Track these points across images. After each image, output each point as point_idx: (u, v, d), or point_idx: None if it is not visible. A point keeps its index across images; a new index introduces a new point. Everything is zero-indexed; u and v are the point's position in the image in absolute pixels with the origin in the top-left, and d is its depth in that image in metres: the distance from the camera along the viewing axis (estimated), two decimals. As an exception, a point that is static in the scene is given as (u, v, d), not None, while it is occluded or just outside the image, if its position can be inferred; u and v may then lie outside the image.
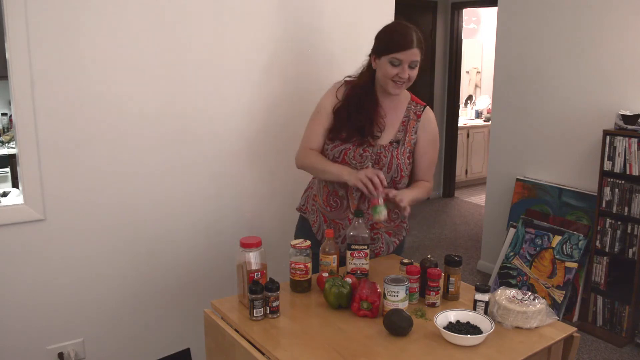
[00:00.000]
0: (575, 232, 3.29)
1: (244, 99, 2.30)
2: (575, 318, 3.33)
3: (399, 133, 1.89)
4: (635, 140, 2.92)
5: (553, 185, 3.58)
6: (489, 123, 4.26)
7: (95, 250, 2.06)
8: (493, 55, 4.07)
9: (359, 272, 1.69)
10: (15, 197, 2.09)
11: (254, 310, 1.47)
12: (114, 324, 2.16)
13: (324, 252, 1.70)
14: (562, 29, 3.44)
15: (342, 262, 1.78)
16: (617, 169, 3.03)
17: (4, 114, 4.32)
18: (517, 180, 3.79)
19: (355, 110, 1.84)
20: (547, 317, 1.46)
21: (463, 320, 1.43)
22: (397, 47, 1.73)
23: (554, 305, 3.24)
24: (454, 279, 1.61)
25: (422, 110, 1.93)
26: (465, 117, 6.99)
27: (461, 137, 6.43)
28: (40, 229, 1.94)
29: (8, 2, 1.75)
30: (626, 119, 3.00)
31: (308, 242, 1.68)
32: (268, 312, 1.49)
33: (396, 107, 1.90)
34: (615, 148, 3.02)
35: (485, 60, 7.14)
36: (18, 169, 1.92)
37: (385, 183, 1.70)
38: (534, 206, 3.64)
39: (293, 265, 1.66)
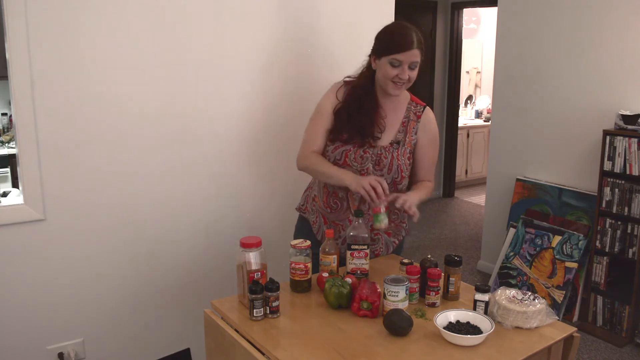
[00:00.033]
0: (575, 232, 3.29)
1: (244, 99, 2.30)
2: (575, 318, 3.33)
3: (399, 134, 1.88)
4: (635, 140, 2.92)
5: (553, 185, 3.58)
6: (489, 123, 4.26)
7: (95, 250, 2.06)
8: (493, 55, 4.07)
9: (359, 272, 1.69)
10: (15, 197, 2.09)
11: (254, 310, 1.47)
12: (114, 324, 2.16)
13: (324, 252, 1.70)
14: (562, 29, 3.44)
15: (342, 263, 1.78)
16: (617, 169, 3.03)
17: (4, 114, 4.32)
18: (517, 180, 3.79)
19: (356, 111, 1.83)
20: (547, 317, 1.46)
21: (463, 320, 1.43)
22: (397, 48, 1.73)
23: (554, 305, 3.24)
24: (454, 279, 1.61)
25: (422, 111, 1.92)
26: (465, 117, 6.99)
27: (461, 137, 6.43)
28: (40, 229, 1.94)
29: (8, 2, 1.75)
30: (626, 119, 3.00)
31: (308, 242, 1.68)
32: (268, 312, 1.49)
33: (396, 107, 1.90)
34: (615, 148, 3.02)
35: (485, 60, 7.14)
36: (18, 169, 1.92)
37: (387, 192, 1.70)
38: (534, 206, 3.64)
39: (293, 265, 1.66)
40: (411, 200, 1.74)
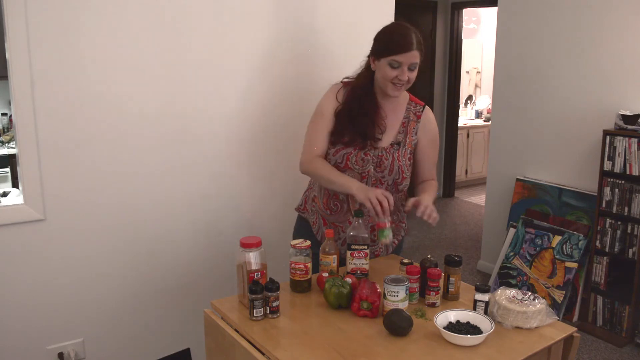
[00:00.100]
0: (575, 232, 3.29)
1: (244, 99, 2.30)
2: (575, 318, 3.33)
3: (400, 134, 1.88)
4: (635, 140, 2.92)
5: (553, 185, 3.58)
6: (489, 123, 4.26)
7: (95, 250, 2.06)
8: (493, 55, 4.07)
9: (359, 272, 1.69)
10: (15, 197, 2.09)
11: (254, 310, 1.47)
12: (114, 324, 2.16)
13: (324, 252, 1.70)
14: (562, 29, 3.44)
15: (342, 264, 1.78)
16: (617, 169, 3.03)
17: (4, 114, 4.32)
18: (517, 180, 3.79)
19: (357, 113, 1.82)
20: (547, 317, 1.46)
21: (463, 320, 1.43)
22: (397, 49, 1.72)
23: (554, 305, 3.24)
24: (454, 279, 1.61)
25: (422, 111, 1.92)
26: (465, 117, 6.99)
27: (461, 137, 6.43)
28: (40, 229, 1.94)
29: (8, 2, 1.75)
30: (626, 119, 3.00)
31: (308, 242, 1.68)
32: (268, 312, 1.49)
33: (395, 108, 1.89)
34: (615, 148, 3.02)
35: (485, 60, 7.14)
36: (18, 169, 1.92)
37: (392, 208, 1.69)
38: (534, 206, 3.64)
39: (293, 265, 1.66)
40: (431, 206, 1.73)
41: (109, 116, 2.00)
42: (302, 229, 2.01)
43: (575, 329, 1.47)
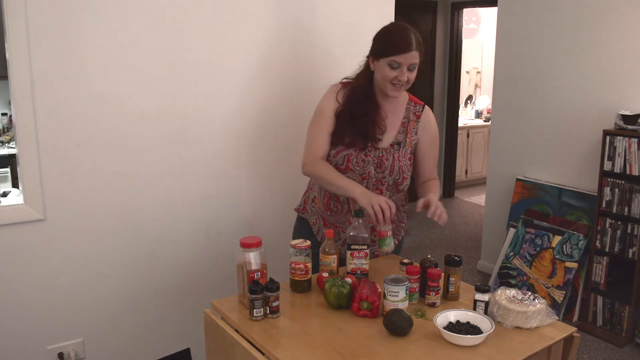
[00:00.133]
0: (575, 232, 3.29)
1: (243, 99, 2.30)
2: (575, 318, 3.33)
3: (400, 135, 1.88)
4: (635, 140, 2.92)
5: (553, 185, 3.58)
6: (489, 123, 4.26)
7: (95, 250, 2.06)
8: (493, 55, 4.07)
9: (359, 272, 1.69)
10: (15, 197, 2.09)
11: (254, 310, 1.47)
12: (114, 324, 2.16)
13: (324, 252, 1.70)
14: (562, 29, 3.44)
15: (342, 263, 1.77)
16: (617, 169, 3.03)
17: (4, 114, 4.32)
18: (517, 180, 3.79)
19: (357, 114, 1.82)
20: (547, 317, 1.46)
21: (463, 320, 1.43)
22: (396, 49, 1.71)
23: (554, 305, 3.24)
24: (454, 279, 1.61)
25: (422, 111, 1.92)
26: (465, 117, 6.99)
27: (461, 137, 6.43)
28: (40, 229, 1.94)
29: (8, 2, 1.75)
30: (626, 119, 3.00)
31: (308, 242, 1.68)
32: (268, 312, 1.49)
33: (395, 108, 1.89)
34: (615, 148, 3.02)
35: (485, 60, 7.14)
36: (18, 169, 1.92)
37: (394, 216, 1.69)
38: (534, 206, 3.64)
39: (293, 265, 1.66)
40: (441, 207, 1.72)
41: (109, 116, 2.00)
42: (302, 229, 2.01)
43: (575, 329, 1.47)
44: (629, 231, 3.01)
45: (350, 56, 2.03)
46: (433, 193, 1.82)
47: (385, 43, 1.76)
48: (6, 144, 4.06)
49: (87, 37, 1.91)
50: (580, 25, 3.34)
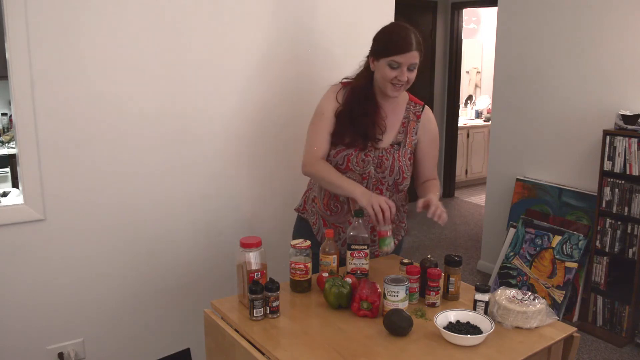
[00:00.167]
0: (575, 232, 3.29)
1: (243, 99, 2.30)
2: (575, 318, 3.33)
3: (400, 135, 1.88)
4: (635, 140, 2.92)
5: (553, 185, 3.58)
6: (489, 123, 4.26)
7: (95, 250, 2.06)
8: (493, 55, 4.07)
9: (359, 272, 1.69)
10: (15, 197, 2.09)
11: (254, 310, 1.47)
12: (114, 324, 2.16)
13: (324, 252, 1.70)
14: (562, 29, 3.44)
15: (342, 263, 1.77)
16: (617, 169, 3.03)
17: (4, 114, 4.32)
18: (517, 180, 3.79)
19: (357, 114, 1.82)
20: (547, 317, 1.46)
21: (463, 320, 1.43)
22: (396, 49, 1.71)
23: (554, 305, 3.24)
24: (454, 279, 1.61)
25: (422, 111, 1.92)
26: (465, 117, 6.99)
27: (461, 137, 6.43)
28: (40, 229, 1.94)
29: (8, 2, 1.75)
30: (626, 119, 3.00)
31: (308, 242, 1.68)
32: (268, 312, 1.49)
33: (395, 108, 1.89)
34: (615, 148, 3.02)
35: (485, 60, 7.14)
36: (18, 169, 1.92)
37: (394, 217, 1.68)
38: (534, 206, 3.64)
39: (293, 265, 1.66)
40: (441, 207, 1.72)
41: (109, 116, 2.00)
42: (302, 229, 2.01)
43: (575, 329, 1.47)
44: (629, 231, 3.01)
45: (350, 56, 2.03)
46: (433, 193, 1.82)
47: (385, 43, 1.76)
48: (6, 144, 4.06)
49: (87, 37, 1.91)
50: (580, 25, 3.34)
